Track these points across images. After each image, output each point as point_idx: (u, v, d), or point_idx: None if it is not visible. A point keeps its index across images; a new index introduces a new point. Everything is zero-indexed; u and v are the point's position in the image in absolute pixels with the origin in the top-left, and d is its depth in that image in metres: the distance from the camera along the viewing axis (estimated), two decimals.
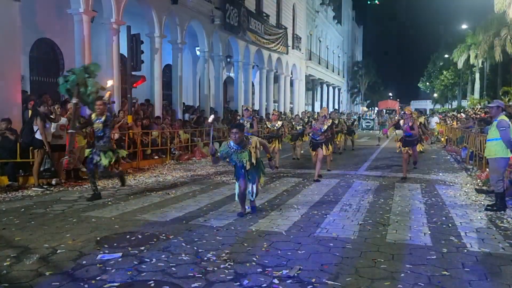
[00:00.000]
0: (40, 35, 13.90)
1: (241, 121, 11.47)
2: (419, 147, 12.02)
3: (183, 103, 18.35)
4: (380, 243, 5.29)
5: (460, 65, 42.29)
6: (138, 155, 12.64)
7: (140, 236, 5.31)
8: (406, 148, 10.76)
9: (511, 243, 5.40)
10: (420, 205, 7.58)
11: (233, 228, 5.85)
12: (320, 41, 42.51)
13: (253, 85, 28.49)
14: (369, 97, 72.60)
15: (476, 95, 40.68)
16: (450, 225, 6.26)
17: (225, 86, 26.38)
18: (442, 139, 23.06)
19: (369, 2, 64.80)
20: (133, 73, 13.11)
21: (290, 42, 30.75)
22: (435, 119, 25.29)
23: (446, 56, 50.13)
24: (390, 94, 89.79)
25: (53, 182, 9.21)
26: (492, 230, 6.05)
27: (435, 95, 66.36)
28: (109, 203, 7.43)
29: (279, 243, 5.19)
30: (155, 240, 5.17)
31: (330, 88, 49.42)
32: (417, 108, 63.43)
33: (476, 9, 32.41)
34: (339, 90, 55.11)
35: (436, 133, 24.48)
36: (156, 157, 13.79)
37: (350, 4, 64.57)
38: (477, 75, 40.76)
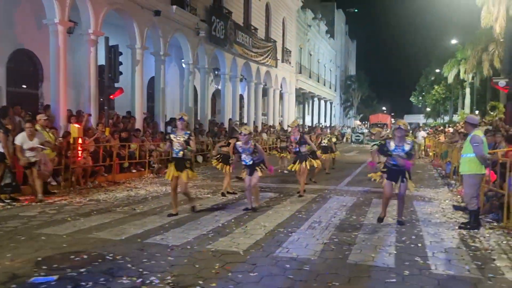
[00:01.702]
0: (18, 46, 13.68)
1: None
2: None
3: (165, 116, 18.10)
4: (340, 265, 5.02)
5: (450, 80, 42.40)
6: (114, 168, 12.33)
7: (85, 256, 5.01)
8: (392, 182, 7.11)
9: (479, 265, 5.15)
10: (392, 222, 7.32)
11: (189, 247, 5.56)
12: (311, 54, 42.56)
13: (242, 98, 28.35)
14: (362, 111, 72.74)
15: (467, 109, 40.68)
16: (419, 244, 6.00)
17: (214, 99, 26.25)
18: (430, 153, 22.91)
19: (347, 10, 65.15)
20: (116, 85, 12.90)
21: (279, 56, 30.70)
22: (422, 133, 25.16)
23: (437, 71, 50.30)
24: (384, 108, 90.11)
25: (39, 197, 8.72)
26: (462, 250, 5.80)
27: (428, 109, 66.53)
28: (68, 219, 7.11)
29: (233, 264, 4.91)
30: (99, 260, 4.87)
31: (322, 101, 49.40)
32: (410, 123, 63.76)
33: (465, 24, 32.53)
34: (331, 103, 55.11)
35: (423, 147, 24.33)
36: (134, 170, 13.48)
37: (343, 19, 65.02)
38: (468, 90, 40.84)
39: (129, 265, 4.74)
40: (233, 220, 7.32)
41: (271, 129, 27.76)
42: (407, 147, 6.93)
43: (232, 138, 10.05)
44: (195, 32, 18.70)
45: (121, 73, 13.14)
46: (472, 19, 26.80)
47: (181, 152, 7.57)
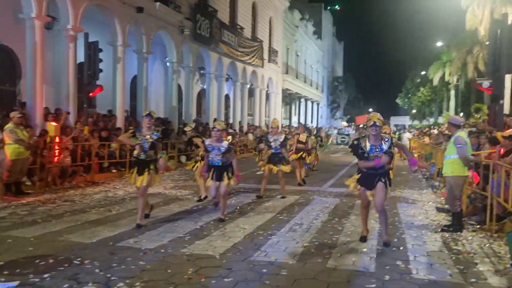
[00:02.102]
0: None
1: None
2: None
3: None
4: (319, 269, 4.84)
5: (436, 82, 42.69)
6: (92, 168, 12.01)
7: (51, 261, 4.76)
8: (369, 191, 5.96)
9: (461, 269, 5.01)
10: (374, 225, 7.16)
11: (163, 251, 5.33)
12: (298, 55, 42.48)
13: (228, 98, 28.11)
14: (349, 112, 72.94)
15: (452, 112, 41.00)
16: (400, 247, 5.86)
17: (200, 98, 25.92)
18: (416, 155, 22.95)
19: (329, 8, 65.06)
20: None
21: (266, 56, 30.53)
22: (407, 135, 25.22)
23: (423, 73, 50.64)
24: (371, 109, 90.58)
25: None
26: (444, 253, 5.67)
27: (414, 111, 66.99)
28: (39, 220, 6.82)
29: (207, 269, 4.70)
30: (66, 265, 4.62)
31: (309, 102, 49.38)
32: (396, 124, 64.10)
33: (451, 27, 32.75)
34: (318, 104, 55.14)
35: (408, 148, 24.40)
36: (114, 170, 13.17)
37: (331, 20, 65.14)
38: (452, 92, 41.16)
39: (96, 270, 4.50)
40: (212, 222, 7.10)
41: (257, 129, 27.56)
42: (385, 145, 5.75)
43: (196, 136, 9.12)
44: (179, 30, 18.42)
45: (101, 70, 12.82)
46: (457, 21, 26.97)
47: (144, 155, 6.76)
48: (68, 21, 12.31)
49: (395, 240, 6.22)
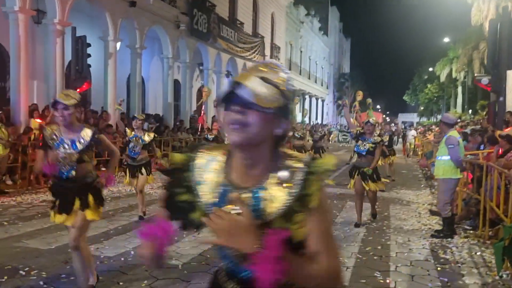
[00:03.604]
0: None
1: None
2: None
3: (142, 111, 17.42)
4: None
5: (443, 78, 41.94)
6: None
7: None
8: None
9: (444, 282, 4.59)
10: (360, 229, 6.75)
11: (122, 259, 4.96)
12: (301, 51, 41.92)
13: None
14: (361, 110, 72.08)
15: (459, 108, 40.27)
16: (383, 256, 5.44)
17: (200, 95, 25.53)
18: (419, 152, 22.43)
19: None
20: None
21: (268, 52, 30.04)
22: (412, 132, 24.66)
23: (431, 69, 49.85)
24: (378, 106, 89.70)
25: None
26: (430, 263, 5.24)
27: (422, 108, 66.15)
28: (5, 223, 6.48)
29: (163, 281, 4.31)
30: (5, 277, 4.25)
31: (313, 99, 48.81)
32: (404, 121, 63.28)
33: (457, 22, 32.03)
34: (323, 101, 54.54)
35: (413, 147, 23.86)
36: (103, 168, 12.83)
37: (337, 16, 64.34)
38: (460, 89, 40.41)
39: (41, 282, 4.13)
40: None
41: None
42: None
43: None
44: (175, 25, 18.01)
45: (89, 65, 12.47)
46: (463, 16, 26.27)
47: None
48: (55, 14, 11.95)
49: (378, 247, 5.79)
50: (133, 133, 7.04)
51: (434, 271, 4.95)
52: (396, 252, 5.60)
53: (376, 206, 7.76)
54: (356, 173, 6.95)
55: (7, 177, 9.89)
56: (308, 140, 14.69)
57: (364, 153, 6.87)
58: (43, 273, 4.37)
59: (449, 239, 6.26)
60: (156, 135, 7.67)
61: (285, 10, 34.51)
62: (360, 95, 11.33)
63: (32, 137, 10.66)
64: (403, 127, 34.87)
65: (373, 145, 6.80)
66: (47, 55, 12.60)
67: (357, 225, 6.88)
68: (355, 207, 7.27)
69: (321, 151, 14.07)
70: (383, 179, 7.43)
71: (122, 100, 13.15)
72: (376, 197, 7.43)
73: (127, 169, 7.21)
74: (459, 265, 5.18)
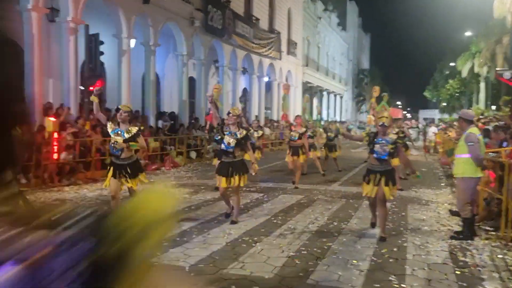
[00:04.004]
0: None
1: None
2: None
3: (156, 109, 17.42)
4: (297, 285, 4.25)
5: (464, 73, 40.97)
6: (92, 164, 11.68)
7: None
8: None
9: (463, 286, 4.34)
10: (376, 230, 6.50)
11: None
12: (319, 47, 41.47)
13: (246, 91, 27.55)
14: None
15: (482, 104, 39.27)
16: (399, 258, 5.20)
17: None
18: (440, 150, 21.91)
19: None
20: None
21: (284, 48, 29.76)
22: (432, 129, 24.11)
23: (452, 64, 48.77)
24: (399, 102, 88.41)
25: None
26: (448, 266, 4.98)
27: (444, 104, 64.87)
28: None
29: None
30: None
31: (331, 95, 48.31)
32: (425, 118, 62.11)
33: (479, 15, 31.20)
34: (341, 98, 53.95)
35: (433, 144, 23.31)
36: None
37: (356, 11, 63.53)
38: (482, 84, 39.40)
39: None
40: (199, 226, 6.58)
41: (274, 123, 26.94)
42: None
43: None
44: (190, 21, 17.92)
45: (102, 63, 12.46)
46: (485, 9, 25.57)
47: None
48: (68, 12, 11.97)
49: (394, 249, 5.55)
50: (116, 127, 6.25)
51: (452, 275, 4.69)
52: (413, 255, 5.35)
53: (391, 208, 7.44)
54: (376, 180, 5.94)
55: (21, 176, 9.91)
56: (324, 138, 14.30)
57: (385, 157, 5.95)
58: None
59: (469, 241, 5.97)
60: (142, 127, 7.17)
61: (302, 6, 34.16)
62: (376, 91, 10.97)
63: (46, 135, 10.68)
64: (424, 123, 34.20)
65: (393, 146, 5.93)
66: (61, 53, 12.64)
67: (373, 225, 6.62)
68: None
69: (334, 150, 13.74)
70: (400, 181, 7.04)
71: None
72: (387, 211, 6.28)
73: (111, 168, 6.28)
74: (479, 269, 4.91)
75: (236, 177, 6.51)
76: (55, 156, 10.63)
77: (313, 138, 12.89)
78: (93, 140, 11.89)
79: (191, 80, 20.71)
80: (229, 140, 6.60)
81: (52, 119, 11.02)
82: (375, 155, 6.00)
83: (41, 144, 10.33)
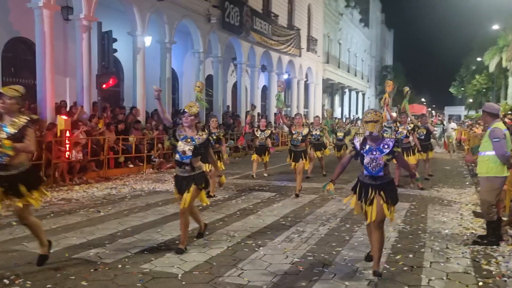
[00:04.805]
0: (14, 33, 13.09)
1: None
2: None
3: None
4: None
5: (492, 68, 39.58)
6: (105, 163, 11.51)
7: None
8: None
9: None
10: (391, 233, 6.03)
11: (120, 266, 4.54)
12: (340, 44, 40.70)
13: (266, 89, 27.18)
14: (398, 102, 69.83)
15: (510, 100, 37.89)
16: (414, 266, 4.75)
17: (235, 90, 25.13)
18: (465, 147, 21.09)
19: None
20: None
21: (304, 44, 29.22)
22: (452, 125, 23.26)
23: (479, 59, 47.26)
24: (423, 99, 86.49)
25: None
26: (470, 276, 4.50)
27: (471, 100, 63.04)
28: (14, 223, 6.23)
29: None
30: None
31: (353, 92, 47.44)
32: (451, 114, 60.44)
33: (506, 8, 29.90)
34: (363, 95, 52.98)
35: (451, 140, 22.46)
36: (131, 165, 12.64)
37: (379, 7, 62.29)
38: (511, 79, 37.97)
39: None
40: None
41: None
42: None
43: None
44: (206, 18, 17.65)
45: (118, 61, 12.30)
46: None
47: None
48: (81, 9, 11.83)
49: (410, 256, 5.10)
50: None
51: (474, 286, 4.22)
52: (431, 262, 4.88)
53: (410, 209, 6.96)
54: (370, 196, 4.40)
55: None
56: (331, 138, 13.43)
57: (380, 174, 4.40)
58: (28, 282, 4.00)
59: (494, 247, 5.45)
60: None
61: (322, 2, 33.53)
62: (389, 86, 10.31)
63: (58, 134, 10.56)
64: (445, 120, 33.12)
65: (389, 157, 4.38)
66: (76, 51, 12.54)
67: (368, 258, 4.85)
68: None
69: (342, 149, 13.10)
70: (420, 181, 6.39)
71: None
72: (383, 236, 4.50)
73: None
74: (505, 279, 4.42)
75: (187, 195, 5.02)
76: (67, 154, 10.50)
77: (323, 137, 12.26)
78: (105, 138, 11.73)
79: (210, 78, 20.46)
80: (183, 148, 5.03)
81: (64, 117, 10.88)
82: (366, 172, 4.40)
83: (51, 142, 10.22)
